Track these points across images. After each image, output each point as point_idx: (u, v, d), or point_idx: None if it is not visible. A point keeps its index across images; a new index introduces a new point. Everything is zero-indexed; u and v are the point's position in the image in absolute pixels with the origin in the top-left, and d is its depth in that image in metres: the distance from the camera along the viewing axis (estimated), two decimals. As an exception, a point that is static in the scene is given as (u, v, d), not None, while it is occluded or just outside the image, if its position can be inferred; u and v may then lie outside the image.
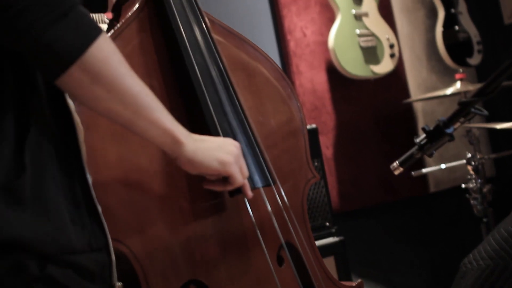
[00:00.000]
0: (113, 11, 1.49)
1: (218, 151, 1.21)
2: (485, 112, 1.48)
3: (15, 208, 0.96)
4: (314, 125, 2.88)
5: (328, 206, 2.81)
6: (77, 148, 1.09)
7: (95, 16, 2.69)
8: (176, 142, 1.14)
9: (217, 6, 3.33)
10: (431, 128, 1.47)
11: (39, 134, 1.02)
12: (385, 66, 3.49)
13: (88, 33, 0.98)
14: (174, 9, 1.35)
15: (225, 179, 1.25)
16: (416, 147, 1.50)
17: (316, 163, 2.81)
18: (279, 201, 1.42)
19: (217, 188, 1.29)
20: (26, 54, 0.99)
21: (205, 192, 1.32)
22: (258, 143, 1.39)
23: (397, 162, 1.55)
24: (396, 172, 1.55)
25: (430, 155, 1.50)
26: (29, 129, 1.01)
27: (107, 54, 1.01)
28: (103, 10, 1.62)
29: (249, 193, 1.31)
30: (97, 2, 1.57)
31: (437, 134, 1.46)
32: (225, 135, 1.31)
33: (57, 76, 0.99)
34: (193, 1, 1.41)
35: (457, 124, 1.46)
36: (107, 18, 2.74)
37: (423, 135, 1.49)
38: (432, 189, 3.74)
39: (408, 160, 1.52)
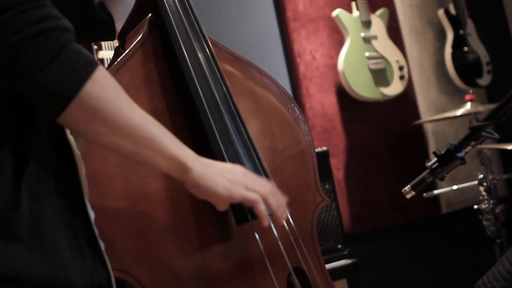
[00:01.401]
0: (119, 38, 1.51)
1: (224, 177, 1.17)
2: (496, 136, 1.47)
3: (12, 244, 0.96)
4: (324, 148, 2.88)
5: (340, 228, 2.80)
6: (78, 183, 1.09)
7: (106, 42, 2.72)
8: (183, 167, 1.11)
9: (227, 32, 3.35)
10: (442, 152, 1.47)
11: (38, 168, 1.02)
12: (394, 88, 3.49)
13: (82, 71, 0.98)
14: (178, 37, 1.35)
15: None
16: (427, 171, 1.50)
17: (327, 186, 2.81)
18: (287, 227, 1.41)
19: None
20: (24, 94, 1.00)
21: (212, 219, 1.31)
22: (265, 170, 1.38)
23: (409, 186, 1.54)
24: (408, 196, 1.54)
25: (442, 179, 1.50)
26: (28, 163, 1.01)
27: (102, 89, 1.00)
28: (111, 38, 1.64)
29: (266, 222, 1.23)
30: (106, 31, 1.58)
31: (448, 158, 1.46)
32: (231, 162, 1.31)
33: (55, 116, 0.99)
34: (198, 29, 1.42)
35: (468, 148, 1.46)
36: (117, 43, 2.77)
37: (434, 159, 1.49)
38: (444, 210, 3.72)
39: (419, 184, 1.52)
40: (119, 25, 1.57)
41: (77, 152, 1.10)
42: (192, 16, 1.41)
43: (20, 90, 0.99)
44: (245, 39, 3.42)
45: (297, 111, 1.57)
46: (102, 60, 2.70)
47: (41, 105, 1.01)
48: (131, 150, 1.06)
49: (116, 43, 2.74)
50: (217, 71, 1.39)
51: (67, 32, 1.00)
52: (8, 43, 0.94)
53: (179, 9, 1.39)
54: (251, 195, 1.19)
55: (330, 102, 3.47)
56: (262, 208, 1.20)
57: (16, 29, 0.94)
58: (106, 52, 2.71)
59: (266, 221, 1.22)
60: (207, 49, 1.40)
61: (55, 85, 0.96)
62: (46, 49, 0.96)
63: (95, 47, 2.68)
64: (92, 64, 1.00)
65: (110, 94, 1.02)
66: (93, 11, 1.48)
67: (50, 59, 0.96)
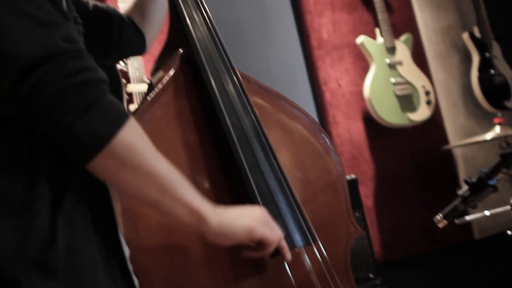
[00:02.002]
0: (152, 75, 1.53)
1: (242, 220, 1.20)
2: (528, 161, 1.46)
3: (48, 279, 0.99)
4: (353, 175, 2.87)
5: (371, 257, 2.78)
6: (113, 219, 1.12)
7: (136, 71, 2.76)
8: (202, 220, 1.14)
9: (252, 62, 3.38)
10: (474, 180, 1.46)
11: (74, 204, 1.05)
12: (421, 114, 3.47)
13: (114, 121, 1.03)
14: (208, 71, 1.37)
15: (260, 244, 1.25)
16: (459, 199, 1.49)
17: (357, 214, 2.79)
18: (320, 259, 1.40)
19: (254, 255, 1.27)
20: (57, 140, 1.04)
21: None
22: (297, 202, 1.38)
23: (440, 214, 1.53)
24: (441, 225, 1.53)
25: (474, 207, 1.48)
26: (64, 199, 1.04)
27: (133, 140, 1.05)
28: (142, 52, 1.67)
29: (288, 256, 1.29)
30: (137, 47, 1.62)
31: (480, 186, 1.45)
32: (263, 195, 1.31)
33: (86, 162, 1.03)
34: (228, 62, 1.43)
35: (500, 175, 1.45)
36: (147, 78, 2.81)
37: (465, 187, 1.48)
38: (477, 235, 3.66)
39: (452, 212, 1.51)
40: (149, 40, 1.62)
41: (113, 194, 1.12)
42: (222, 50, 1.43)
43: (55, 137, 1.03)
44: (271, 69, 3.44)
45: (327, 141, 1.57)
46: (130, 94, 2.73)
47: (73, 152, 1.04)
48: (154, 199, 1.10)
49: (144, 75, 2.78)
50: (247, 104, 1.40)
51: (103, 83, 1.04)
52: (47, 93, 0.98)
53: (209, 44, 1.41)
54: (271, 235, 1.23)
55: (357, 129, 3.46)
56: (283, 243, 1.26)
57: (54, 80, 0.98)
58: (135, 86, 2.75)
59: (289, 255, 1.29)
60: (237, 83, 1.42)
61: (88, 134, 1.00)
62: (83, 100, 1.00)
63: (124, 81, 2.71)
64: (124, 116, 1.05)
65: (139, 144, 1.06)
66: (127, 31, 1.54)
67: (86, 110, 1.00)
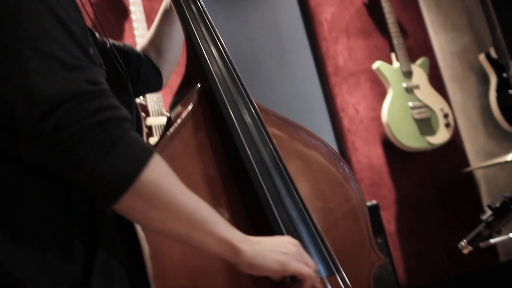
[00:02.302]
0: (170, 110, 1.55)
1: (276, 252, 1.18)
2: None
3: None
4: (374, 201, 2.86)
5: (395, 284, 2.74)
6: (143, 263, 1.12)
7: (155, 104, 2.79)
8: (234, 250, 1.13)
9: (269, 91, 3.40)
10: (497, 204, 1.45)
11: (107, 254, 1.05)
12: (441, 137, 3.46)
13: (139, 159, 1.01)
14: (227, 104, 1.38)
15: (293, 278, 1.24)
16: (483, 224, 1.48)
17: (379, 240, 2.77)
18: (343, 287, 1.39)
19: None
20: (81, 182, 1.02)
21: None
22: (319, 232, 1.38)
23: (465, 241, 1.52)
24: (466, 251, 1.52)
25: (498, 232, 1.47)
26: (99, 245, 1.04)
27: (159, 176, 1.03)
28: (159, 89, 1.70)
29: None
30: (154, 84, 1.65)
31: (504, 211, 1.44)
32: (285, 226, 1.31)
33: (112, 203, 1.01)
34: (245, 95, 1.44)
35: (524, 199, 1.44)
36: (166, 112, 2.84)
37: (489, 212, 1.47)
38: (502, 258, 3.61)
39: (476, 238, 1.50)
40: (166, 76, 1.64)
41: (140, 233, 1.12)
42: (239, 83, 1.44)
43: (78, 178, 1.01)
44: (288, 97, 3.46)
45: (346, 169, 1.57)
46: (150, 127, 2.76)
47: (98, 193, 1.03)
48: (185, 234, 1.09)
49: (163, 108, 2.81)
50: (265, 136, 1.40)
51: (125, 121, 1.03)
52: (69, 132, 0.97)
53: (227, 77, 1.42)
54: (305, 269, 1.21)
55: (377, 155, 3.45)
56: (314, 281, 1.24)
57: (77, 119, 0.98)
58: (154, 119, 2.78)
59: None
60: (255, 114, 1.43)
61: (113, 174, 0.99)
62: (105, 139, 0.99)
63: (143, 114, 2.74)
64: (148, 152, 1.03)
65: (166, 180, 1.05)
66: (144, 68, 1.56)
67: (109, 149, 0.99)
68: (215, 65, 1.43)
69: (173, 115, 1.51)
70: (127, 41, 3.08)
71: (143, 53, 1.61)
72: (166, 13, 1.62)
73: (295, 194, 1.37)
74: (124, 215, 1.06)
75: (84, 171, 0.99)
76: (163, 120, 2.78)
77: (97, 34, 1.53)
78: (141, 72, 1.57)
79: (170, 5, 1.60)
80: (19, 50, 1.00)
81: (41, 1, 1.04)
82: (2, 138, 1.05)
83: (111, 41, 1.56)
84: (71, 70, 1.01)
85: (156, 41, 1.62)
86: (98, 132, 0.98)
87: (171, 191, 1.05)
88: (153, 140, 2.73)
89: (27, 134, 0.99)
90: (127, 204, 1.01)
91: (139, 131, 2.85)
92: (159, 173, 1.04)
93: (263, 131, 1.41)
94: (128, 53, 1.55)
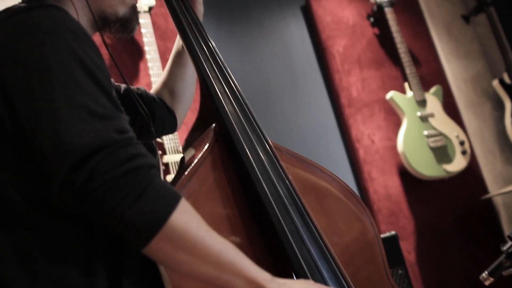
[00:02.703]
0: (183, 150, 1.57)
1: None
2: None
3: None
4: (393, 232, 2.84)
5: (418, 314, 2.72)
6: None
7: (171, 142, 2.82)
8: None
9: (284, 125, 3.42)
10: (518, 235, 1.45)
11: None
12: (458, 164, 3.45)
13: (166, 205, 1.05)
14: (243, 143, 1.39)
15: None
16: (503, 255, 1.47)
17: (400, 271, 2.75)
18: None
19: None
20: (113, 227, 1.06)
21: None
22: (339, 267, 1.38)
23: (486, 272, 1.51)
24: (487, 283, 1.51)
25: (520, 261, 1.46)
26: (121, 285, 1.07)
27: (186, 221, 1.07)
28: (174, 131, 1.72)
29: None
30: (169, 126, 1.67)
31: (525, 241, 1.43)
32: (306, 262, 1.32)
33: (142, 248, 1.05)
34: (260, 133, 1.46)
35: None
36: (181, 147, 2.86)
37: (510, 243, 1.46)
38: (526, 285, 3.56)
39: (497, 269, 1.48)
40: (180, 117, 1.68)
41: (164, 274, 1.14)
42: (253, 121, 1.46)
43: (109, 223, 1.05)
44: (303, 129, 3.47)
45: (361, 204, 1.58)
46: (167, 164, 2.78)
47: (129, 237, 1.06)
48: (212, 276, 1.11)
49: (179, 146, 2.83)
50: (282, 172, 1.42)
51: (153, 168, 1.08)
52: (101, 181, 1.01)
53: (241, 116, 1.44)
54: None
55: (394, 184, 3.44)
56: None
57: (107, 168, 1.02)
58: (171, 156, 2.80)
59: None
60: (270, 152, 1.44)
61: (142, 219, 1.03)
62: (135, 186, 1.03)
63: (160, 152, 2.77)
64: (176, 198, 1.07)
65: (193, 224, 1.08)
66: (159, 111, 1.60)
67: (138, 196, 1.03)
68: (229, 105, 1.45)
69: (187, 155, 1.53)
70: (142, 80, 3.13)
71: (157, 95, 1.64)
72: (178, 54, 1.65)
73: (314, 229, 1.38)
74: (153, 258, 1.09)
75: (115, 217, 1.02)
76: (179, 157, 2.79)
77: (111, 79, 1.57)
78: (156, 115, 1.60)
79: (182, 46, 1.64)
80: (51, 100, 1.04)
81: (70, 52, 1.08)
82: (33, 184, 1.08)
83: (125, 85, 1.59)
84: (100, 119, 1.05)
85: (170, 83, 1.65)
86: (128, 181, 1.02)
87: (199, 235, 1.08)
88: (170, 177, 2.75)
89: (59, 183, 1.03)
90: (156, 248, 1.05)
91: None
92: (186, 217, 1.07)
93: (279, 168, 1.42)
94: (142, 97, 1.58)
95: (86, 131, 1.03)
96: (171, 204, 1.06)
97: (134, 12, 1.40)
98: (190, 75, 1.65)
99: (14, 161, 1.11)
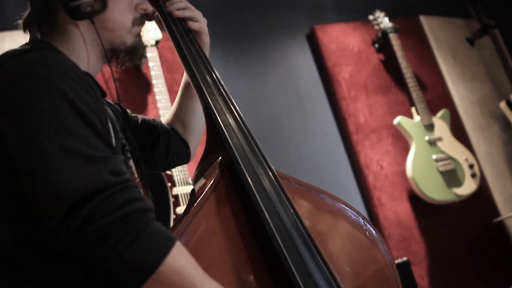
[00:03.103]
0: (194, 183, 1.57)
1: None
2: None
3: None
4: (405, 258, 2.82)
5: None
6: None
7: (180, 174, 2.83)
8: None
9: (292, 152, 3.43)
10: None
11: None
12: (468, 187, 3.43)
13: (161, 248, 1.06)
14: (247, 177, 1.39)
15: None
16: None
17: (413, 297, 2.73)
18: None
19: None
20: (108, 268, 1.07)
21: None
22: (348, 298, 1.38)
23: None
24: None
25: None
26: None
27: (180, 264, 1.08)
28: (187, 161, 1.74)
29: None
30: (183, 157, 1.68)
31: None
32: (313, 295, 1.31)
33: None
34: (266, 165, 1.45)
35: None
36: (191, 180, 2.87)
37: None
38: (542, 308, 3.52)
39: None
40: (193, 148, 1.70)
41: None
42: (258, 153, 1.46)
43: (103, 265, 1.06)
44: (311, 157, 3.48)
45: (373, 232, 1.56)
46: (176, 196, 2.79)
47: (123, 279, 1.08)
48: None
49: (188, 177, 2.84)
50: (288, 204, 1.41)
51: (148, 211, 1.09)
52: (96, 227, 1.02)
53: (246, 149, 1.44)
54: None
55: (404, 209, 3.43)
56: None
57: (104, 213, 1.03)
58: (180, 188, 2.81)
59: None
60: (276, 183, 1.44)
61: (136, 262, 1.04)
62: (131, 230, 1.04)
63: (169, 184, 2.78)
64: (170, 242, 1.08)
65: (186, 268, 1.09)
66: (173, 142, 1.61)
67: (134, 239, 1.04)
68: (234, 138, 1.45)
69: (197, 188, 1.53)
70: (151, 113, 3.16)
71: (170, 126, 1.66)
72: (187, 86, 1.67)
73: (321, 261, 1.37)
74: None
75: (110, 260, 1.04)
76: (189, 189, 2.81)
77: (128, 111, 1.59)
78: (170, 146, 1.61)
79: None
80: (43, 147, 1.05)
81: (61, 95, 1.09)
82: (28, 226, 1.09)
83: (142, 116, 1.61)
84: (94, 162, 1.06)
85: (180, 115, 1.67)
86: (123, 225, 1.04)
87: (191, 279, 1.09)
88: (180, 209, 2.75)
89: (55, 228, 1.04)
90: None
91: (166, 201, 2.88)
92: (180, 261, 1.08)
93: (285, 200, 1.42)
94: (158, 128, 1.60)
95: (79, 176, 1.04)
96: (166, 247, 1.07)
97: (140, 40, 1.43)
98: (199, 106, 1.67)
99: (11, 206, 1.13)
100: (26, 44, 1.29)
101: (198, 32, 1.57)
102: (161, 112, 2.93)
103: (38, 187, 1.05)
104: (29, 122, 1.07)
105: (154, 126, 1.61)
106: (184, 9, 1.53)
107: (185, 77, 1.70)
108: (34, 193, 1.05)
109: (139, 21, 1.42)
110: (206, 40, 1.59)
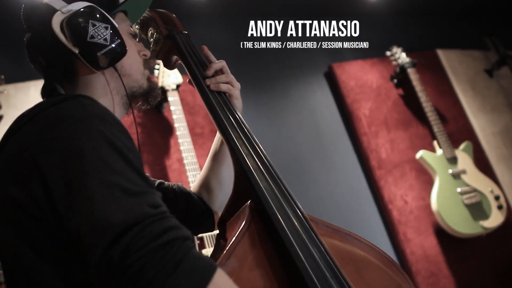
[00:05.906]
0: (219, 227, 1.58)
1: None
2: None
3: None
4: (434, 294, 2.80)
5: None
6: None
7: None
8: None
9: (315, 191, 3.42)
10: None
11: None
12: (495, 219, 3.40)
13: (203, 276, 1.05)
14: (280, 220, 1.39)
15: None
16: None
17: (444, 334, 2.69)
18: None
19: None
20: None
21: None
22: None
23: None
24: None
25: None
26: None
27: None
28: (212, 229, 1.74)
29: None
30: (207, 224, 1.69)
31: None
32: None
33: None
34: (296, 207, 1.46)
35: None
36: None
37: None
38: None
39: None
40: (217, 216, 1.69)
41: None
42: (288, 196, 1.47)
43: None
44: (334, 194, 3.47)
45: (401, 272, 1.56)
46: (201, 239, 2.79)
47: None
48: None
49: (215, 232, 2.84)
50: (321, 246, 1.41)
51: (188, 240, 1.09)
52: (137, 256, 1.02)
53: (276, 192, 1.45)
54: None
55: (431, 244, 3.40)
56: None
57: (143, 243, 1.03)
58: (210, 250, 2.79)
59: None
60: (307, 226, 1.44)
61: None
62: (170, 259, 1.04)
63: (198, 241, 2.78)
64: (211, 268, 1.08)
65: None
66: (195, 208, 1.60)
67: (174, 268, 1.03)
68: (263, 181, 1.46)
69: (226, 230, 1.54)
70: (173, 156, 3.18)
71: (196, 193, 1.68)
72: (215, 152, 1.71)
73: (356, 303, 1.37)
74: None
75: None
76: (214, 232, 2.80)
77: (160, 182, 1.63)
78: (190, 211, 1.63)
79: (219, 144, 1.68)
80: (85, 183, 1.08)
81: (100, 136, 1.13)
82: (70, 267, 1.10)
83: (159, 181, 1.65)
84: (133, 196, 1.08)
85: (205, 180, 1.70)
86: (163, 254, 1.03)
87: None
88: (205, 251, 2.75)
89: (97, 262, 1.04)
90: None
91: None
92: (223, 286, 1.07)
93: (318, 242, 1.42)
94: (175, 190, 1.64)
95: (120, 209, 1.05)
96: (207, 275, 1.06)
97: (152, 81, 1.50)
98: (226, 172, 1.69)
99: (52, 249, 1.14)
100: (58, 95, 1.33)
101: (231, 95, 1.60)
102: (183, 155, 2.95)
103: (80, 222, 1.06)
104: (70, 162, 1.10)
105: (171, 189, 1.64)
106: (221, 83, 1.57)
107: (214, 142, 1.73)
108: (77, 229, 1.07)
109: (146, 65, 1.49)
110: (237, 105, 1.62)
